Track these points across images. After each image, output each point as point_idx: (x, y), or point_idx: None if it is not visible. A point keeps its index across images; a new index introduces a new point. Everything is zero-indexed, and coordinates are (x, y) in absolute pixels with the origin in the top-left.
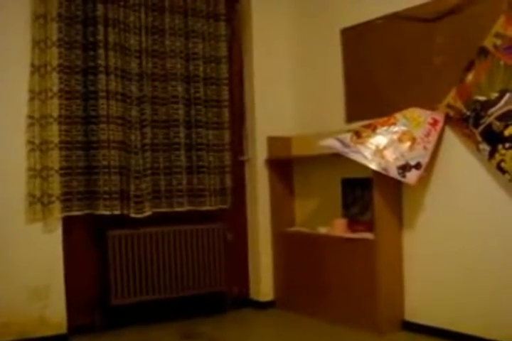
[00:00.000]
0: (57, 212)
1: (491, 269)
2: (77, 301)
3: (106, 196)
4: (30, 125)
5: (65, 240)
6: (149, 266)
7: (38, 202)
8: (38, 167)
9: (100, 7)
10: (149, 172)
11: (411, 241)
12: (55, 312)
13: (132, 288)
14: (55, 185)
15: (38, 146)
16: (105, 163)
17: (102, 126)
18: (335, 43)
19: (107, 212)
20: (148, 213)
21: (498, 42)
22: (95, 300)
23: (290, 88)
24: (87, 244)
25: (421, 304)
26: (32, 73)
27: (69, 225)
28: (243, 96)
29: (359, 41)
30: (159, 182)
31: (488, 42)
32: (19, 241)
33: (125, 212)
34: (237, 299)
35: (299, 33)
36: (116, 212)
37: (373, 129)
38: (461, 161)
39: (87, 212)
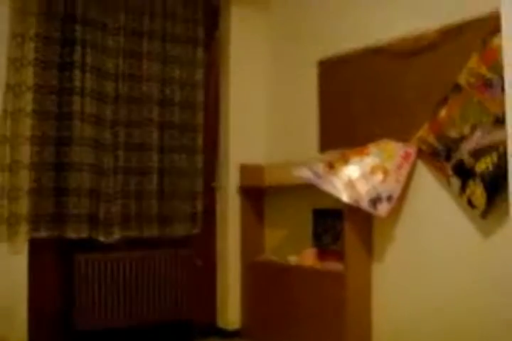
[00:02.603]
0: (24, 234)
1: (459, 303)
2: (40, 325)
3: (75, 219)
4: (1, 144)
5: (30, 262)
6: (115, 291)
7: (4, 222)
8: (7, 187)
9: (79, 29)
10: (120, 195)
11: (380, 273)
12: (17, 335)
13: (97, 313)
14: (23, 206)
15: (7, 166)
16: (76, 185)
17: (74, 147)
18: (311, 74)
19: (75, 236)
20: (117, 237)
21: (472, 79)
22: (59, 324)
23: (265, 116)
24: (53, 266)
25: (388, 336)
26: (6, 92)
27: (36, 247)
28: (218, 122)
29: (335, 73)
30: (130, 206)
31: (462, 79)
32: None
33: (94, 235)
34: (204, 327)
35: (276, 62)
36: (85, 236)
37: (346, 160)
38: (432, 195)
39: (54, 234)
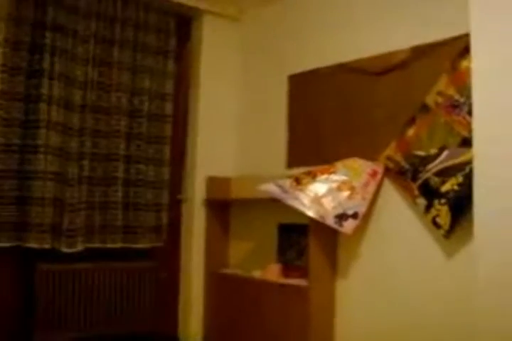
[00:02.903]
0: None
1: (422, 321)
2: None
3: (37, 228)
4: None
5: None
6: (77, 302)
7: None
8: None
9: (49, 35)
10: (84, 206)
11: (344, 289)
12: None
13: (58, 324)
14: None
15: None
16: (39, 194)
17: (39, 156)
18: (281, 89)
19: (37, 245)
20: (80, 248)
21: (440, 99)
22: (18, 335)
23: (234, 129)
24: (14, 276)
25: None
26: None
27: None
28: (186, 134)
29: (305, 88)
30: (94, 217)
31: (430, 99)
32: None
33: (56, 245)
34: (166, 338)
35: (247, 74)
36: (47, 246)
37: (313, 177)
38: (398, 213)
39: (16, 243)
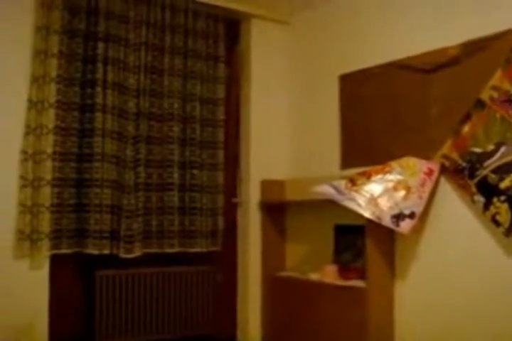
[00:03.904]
0: (45, 250)
1: (482, 323)
2: None
3: (96, 235)
4: (24, 160)
5: (51, 278)
6: (136, 307)
7: (26, 238)
8: (29, 203)
9: (101, 45)
10: (141, 212)
11: (403, 290)
12: None
13: (118, 329)
14: (45, 222)
15: (30, 182)
16: (97, 201)
17: (96, 164)
18: (332, 89)
19: (96, 252)
20: (138, 253)
21: (495, 94)
22: (80, 339)
23: (286, 132)
24: (74, 282)
25: None
26: (29, 109)
27: (57, 263)
28: (239, 138)
29: (357, 88)
30: (151, 223)
31: (485, 95)
32: (5, 277)
33: (114, 251)
34: None
35: (297, 77)
36: (106, 252)
37: (368, 177)
38: (456, 212)
39: (75, 250)
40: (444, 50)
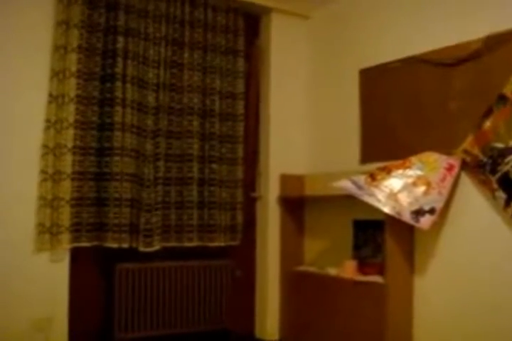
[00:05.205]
0: (65, 243)
1: (503, 319)
2: (80, 334)
3: (115, 228)
4: (44, 154)
5: (71, 271)
6: (155, 300)
7: (47, 231)
8: (49, 197)
9: (121, 40)
10: (160, 206)
11: (422, 286)
12: None
13: (136, 322)
14: (65, 216)
15: (50, 176)
16: (116, 195)
17: (115, 158)
18: (352, 83)
19: (116, 245)
20: (157, 247)
21: None
22: (99, 333)
23: (306, 126)
24: (93, 275)
25: None
26: (49, 103)
27: (76, 256)
28: (258, 132)
29: (377, 82)
30: (170, 217)
31: (507, 90)
32: (25, 270)
33: (134, 245)
34: (242, 337)
35: (317, 71)
36: (125, 246)
37: (388, 172)
38: (476, 208)
39: (95, 243)
40: (466, 44)
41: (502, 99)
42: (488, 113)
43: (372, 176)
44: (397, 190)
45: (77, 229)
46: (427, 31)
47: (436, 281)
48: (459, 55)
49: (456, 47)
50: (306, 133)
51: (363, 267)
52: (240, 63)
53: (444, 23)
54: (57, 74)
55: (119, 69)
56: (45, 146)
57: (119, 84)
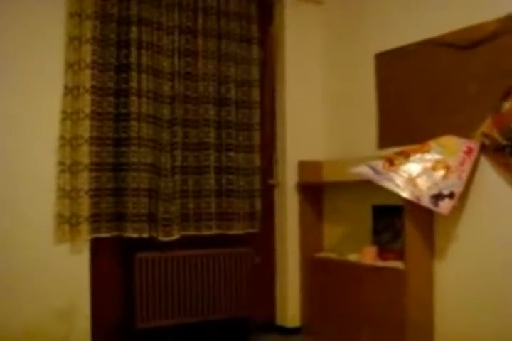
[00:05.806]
0: (85, 233)
1: None
2: (103, 323)
3: (134, 218)
4: (62, 146)
5: (92, 261)
6: (176, 289)
7: (66, 222)
8: (68, 188)
9: (134, 30)
10: (178, 195)
11: (443, 271)
12: (80, 334)
13: (157, 311)
14: (84, 206)
15: (68, 167)
16: (134, 185)
17: (132, 148)
18: (368, 68)
19: (135, 235)
20: (176, 236)
21: None
22: (121, 322)
23: (322, 112)
24: (114, 265)
25: (451, 336)
26: (65, 94)
27: (96, 246)
28: (274, 120)
29: (393, 66)
30: (188, 206)
31: None
32: (46, 261)
33: (153, 234)
34: (263, 324)
35: (332, 56)
36: (145, 235)
37: (406, 157)
38: (496, 191)
39: (115, 234)
40: (482, 25)
41: None
42: (506, 95)
43: (390, 161)
44: (415, 174)
45: (96, 220)
46: (442, 13)
47: (457, 266)
48: (475, 37)
49: (473, 28)
50: (322, 120)
51: (382, 253)
52: (255, 50)
53: (460, 5)
54: (72, 66)
55: (133, 60)
56: (62, 138)
57: (134, 74)
